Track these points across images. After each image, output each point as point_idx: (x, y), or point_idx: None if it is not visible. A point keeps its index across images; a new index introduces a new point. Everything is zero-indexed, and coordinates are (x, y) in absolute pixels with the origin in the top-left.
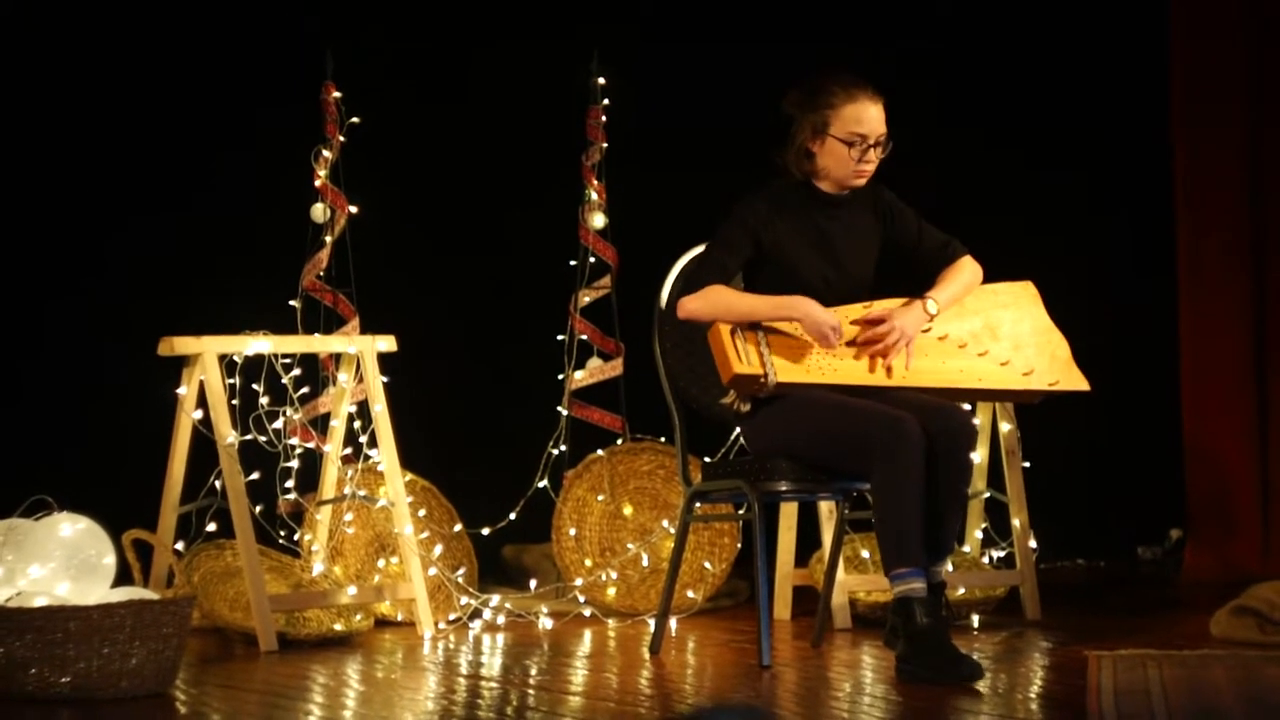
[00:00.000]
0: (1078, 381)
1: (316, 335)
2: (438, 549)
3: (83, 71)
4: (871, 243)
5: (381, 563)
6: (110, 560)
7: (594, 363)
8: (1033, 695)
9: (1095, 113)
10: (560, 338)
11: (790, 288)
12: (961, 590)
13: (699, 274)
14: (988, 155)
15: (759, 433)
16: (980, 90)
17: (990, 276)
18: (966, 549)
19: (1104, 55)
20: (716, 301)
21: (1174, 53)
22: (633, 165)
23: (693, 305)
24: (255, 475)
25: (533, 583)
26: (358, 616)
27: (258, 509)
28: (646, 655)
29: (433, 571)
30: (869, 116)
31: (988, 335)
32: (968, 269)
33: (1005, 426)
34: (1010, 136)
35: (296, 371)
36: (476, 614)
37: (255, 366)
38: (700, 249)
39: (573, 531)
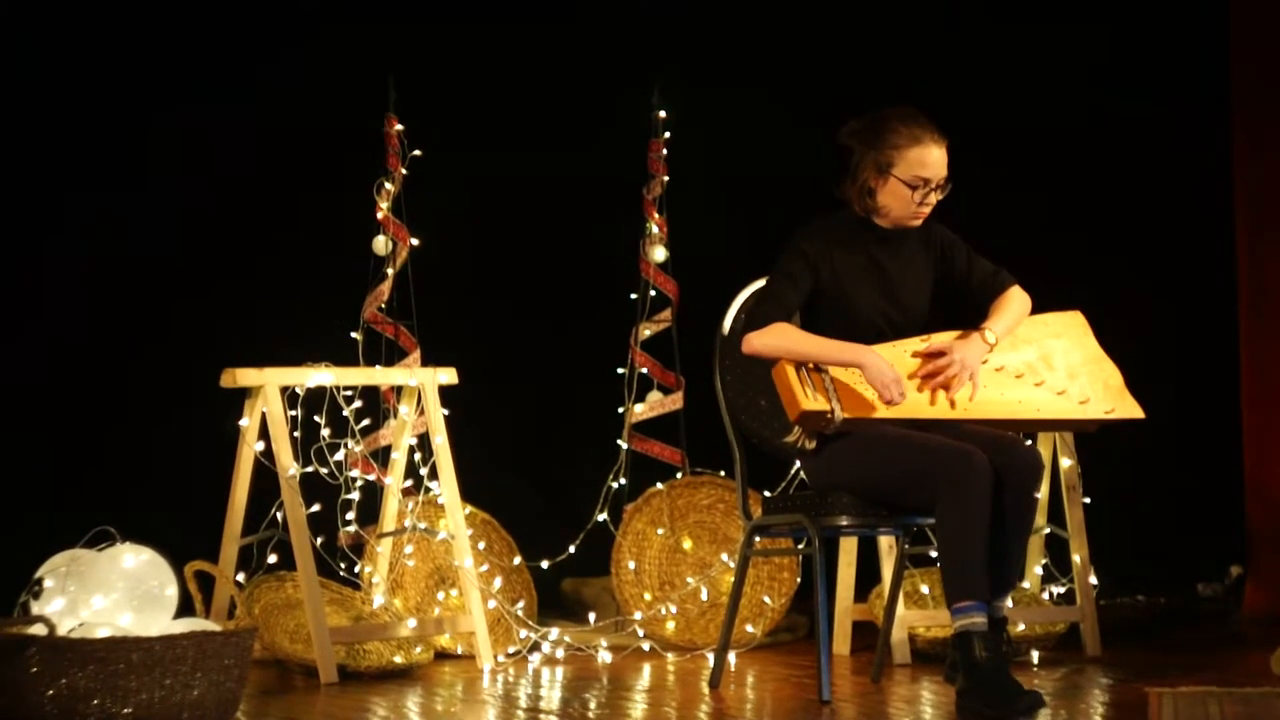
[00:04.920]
0: (1132, 409)
1: (378, 367)
2: (497, 582)
3: (145, 101)
4: (925, 277)
5: (441, 595)
6: (172, 591)
7: (654, 396)
8: None
9: (1150, 130)
10: (620, 371)
11: (847, 322)
12: (1021, 626)
13: (761, 308)
14: (1039, 175)
15: (825, 468)
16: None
17: (1047, 302)
18: (1026, 585)
19: (1162, 58)
20: (782, 340)
21: (1233, 56)
22: (694, 198)
23: (758, 343)
24: (316, 507)
25: (592, 616)
26: (418, 649)
27: (319, 541)
28: (706, 689)
29: (492, 604)
30: (933, 160)
31: (1043, 365)
32: (1018, 299)
33: (1066, 462)
34: (1065, 156)
35: (358, 404)
36: (536, 647)
37: (317, 398)
38: (760, 283)
39: (632, 565)
